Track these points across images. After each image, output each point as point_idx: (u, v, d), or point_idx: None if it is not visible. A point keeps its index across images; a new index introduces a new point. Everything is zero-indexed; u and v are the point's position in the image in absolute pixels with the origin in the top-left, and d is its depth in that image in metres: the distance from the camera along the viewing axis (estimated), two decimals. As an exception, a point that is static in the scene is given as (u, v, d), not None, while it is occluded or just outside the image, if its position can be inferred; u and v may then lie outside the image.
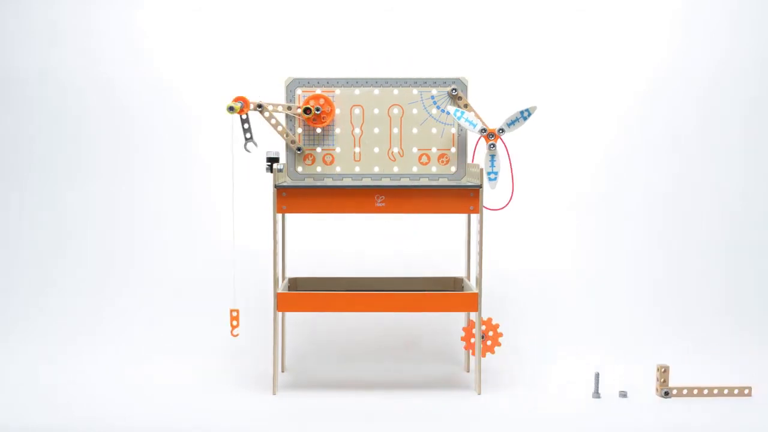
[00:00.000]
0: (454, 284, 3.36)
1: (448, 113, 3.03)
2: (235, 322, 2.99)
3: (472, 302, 2.97)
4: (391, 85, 3.08)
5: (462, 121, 2.98)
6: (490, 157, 3.00)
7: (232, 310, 2.99)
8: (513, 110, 2.99)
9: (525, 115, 2.98)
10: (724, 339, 3.62)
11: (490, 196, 3.11)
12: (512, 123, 2.98)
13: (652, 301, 3.79)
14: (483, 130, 2.98)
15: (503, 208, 3.08)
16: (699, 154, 3.94)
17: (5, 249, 3.90)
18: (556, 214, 3.91)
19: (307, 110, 3.01)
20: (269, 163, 2.99)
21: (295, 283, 3.34)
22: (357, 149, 3.11)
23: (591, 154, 3.93)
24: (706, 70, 3.91)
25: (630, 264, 3.88)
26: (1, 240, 3.91)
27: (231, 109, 2.80)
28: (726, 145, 3.94)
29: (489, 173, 3.01)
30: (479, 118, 3.06)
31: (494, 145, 2.99)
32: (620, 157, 3.93)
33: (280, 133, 3.06)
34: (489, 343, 3.01)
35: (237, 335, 3.02)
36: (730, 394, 2.97)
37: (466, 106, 3.10)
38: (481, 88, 3.26)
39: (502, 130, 2.99)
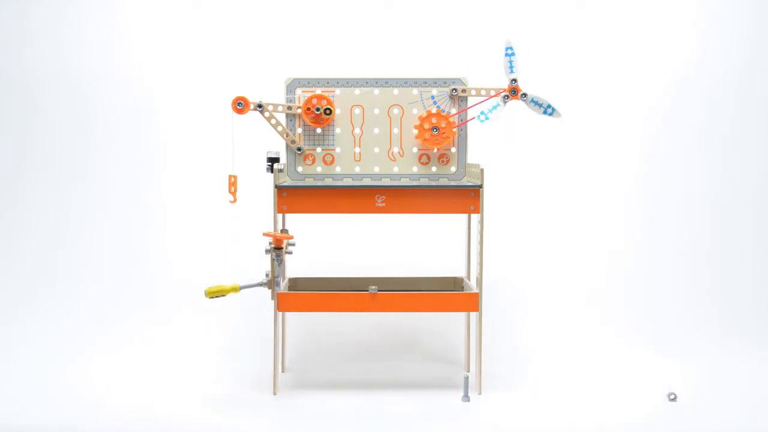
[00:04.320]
0: (454, 284, 3.36)
1: (506, 49, 2.96)
2: (233, 188, 2.96)
3: (472, 302, 2.97)
4: (391, 85, 3.08)
5: (507, 59, 2.95)
6: (495, 104, 2.97)
7: (230, 176, 2.96)
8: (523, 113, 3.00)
9: (548, 111, 2.97)
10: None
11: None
12: (535, 102, 2.96)
13: (655, 302, 3.79)
14: (514, 81, 2.96)
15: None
16: (694, 155, 3.95)
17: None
18: (557, 214, 3.91)
19: (327, 110, 3.01)
20: (269, 163, 2.99)
21: (295, 283, 3.34)
22: (357, 149, 3.11)
23: (592, 154, 3.93)
24: (736, 66, 3.93)
25: (632, 264, 3.88)
26: None
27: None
28: (728, 147, 3.95)
29: (482, 112, 2.97)
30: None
31: (508, 98, 2.97)
32: (621, 158, 3.94)
33: (280, 133, 3.06)
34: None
35: (234, 201, 2.99)
36: None
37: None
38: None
39: (525, 95, 2.97)
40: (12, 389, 3.01)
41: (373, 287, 2.96)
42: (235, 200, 2.98)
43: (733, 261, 3.89)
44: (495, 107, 2.98)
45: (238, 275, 3.52)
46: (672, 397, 2.93)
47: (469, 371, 3.30)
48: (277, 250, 2.92)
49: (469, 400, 2.94)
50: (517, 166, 3.88)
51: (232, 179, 2.97)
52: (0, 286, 3.84)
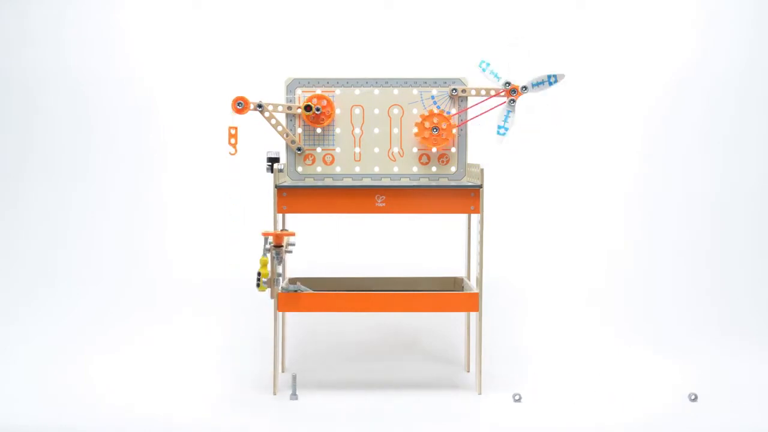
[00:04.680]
0: (454, 284, 3.36)
1: (480, 64, 2.99)
2: (233, 140, 2.95)
3: (472, 302, 2.97)
4: (391, 85, 3.08)
5: (487, 73, 2.96)
6: (506, 112, 2.98)
7: (230, 128, 2.96)
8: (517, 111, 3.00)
9: (552, 80, 2.96)
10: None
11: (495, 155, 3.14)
12: (537, 84, 2.96)
13: (655, 302, 3.79)
14: (507, 84, 2.96)
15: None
16: (688, 153, 3.95)
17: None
18: (557, 215, 3.91)
19: (307, 107, 3.01)
20: (269, 163, 2.99)
21: (295, 283, 3.33)
22: (357, 149, 3.11)
23: (592, 154, 3.93)
24: (736, 66, 3.93)
25: (632, 264, 3.88)
26: None
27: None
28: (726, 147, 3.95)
29: (499, 126, 2.99)
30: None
31: (514, 101, 2.97)
32: (621, 158, 3.93)
33: (280, 133, 3.06)
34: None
35: (235, 153, 2.98)
36: None
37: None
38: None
39: (525, 88, 2.97)
40: (12, 389, 3.02)
41: (298, 285, 2.97)
42: (235, 152, 2.96)
43: (733, 261, 3.89)
44: (507, 116, 2.99)
45: (238, 275, 3.53)
46: (516, 398, 2.93)
47: (469, 371, 3.30)
48: (278, 248, 2.91)
49: (296, 398, 2.95)
50: (517, 166, 3.88)
51: (233, 131, 2.95)
52: (0, 286, 3.84)
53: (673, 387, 3.07)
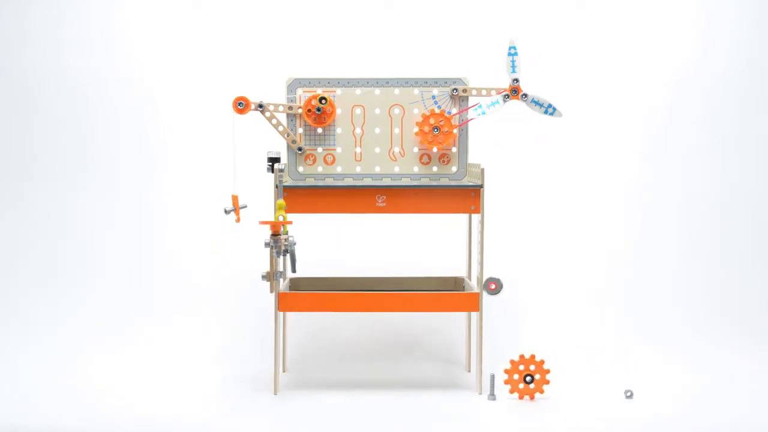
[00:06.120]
0: (454, 284, 3.36)
1: (509, 48, 2.96)
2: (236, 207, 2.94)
3: (472, 302, 2.97)
4: (392, 85, 3.08)
5: (509, 59, 2.95)
6: (495, 100, 2.97)
7: (233, 195, 2.94)
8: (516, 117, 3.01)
9: (549, 110, 2.97)
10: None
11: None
12: (535, 102, 2.96)
13: (655, 302, 3.79)
14: (516, 81, 2.96)
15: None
16: (687, 156, 3.95)
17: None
18: (557, 215, 3.91)
19: (322, 99, 3.00)
20: (270, 163, 2.99)
21: (295, 283, 3.34)
22: (358, 149, 3.11)
23: (592, 154, 3.93)
24: (736, 66, 3.93)
25: (632, 264, 3.88)
26: None
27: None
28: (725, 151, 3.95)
29: (480, 105, 2.97)
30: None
31: (508, 96, 2.97)
32: (621, 158, 3.94)
33: (281, 133, 3.06)
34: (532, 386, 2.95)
35: (239, 220, 2.96)
36: None
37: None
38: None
39: (525, 96, 2.97)
40: (12, 389, 3.02)
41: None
42: (239, 219, 2.95)
43: (733, 261, 3.89)
44: (494, 104, 2.98)
45: (238, 274, 3.53)
46: (628, 394, 2.92)
47: (469, 371, 3.30)
48: (275, 236, 2.88)
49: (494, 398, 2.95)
50: (518, 166, 3.88)
51: (234, 199, 2.95)
52: (0, 286, 3.83)
53: (673, 387, 3.08)
